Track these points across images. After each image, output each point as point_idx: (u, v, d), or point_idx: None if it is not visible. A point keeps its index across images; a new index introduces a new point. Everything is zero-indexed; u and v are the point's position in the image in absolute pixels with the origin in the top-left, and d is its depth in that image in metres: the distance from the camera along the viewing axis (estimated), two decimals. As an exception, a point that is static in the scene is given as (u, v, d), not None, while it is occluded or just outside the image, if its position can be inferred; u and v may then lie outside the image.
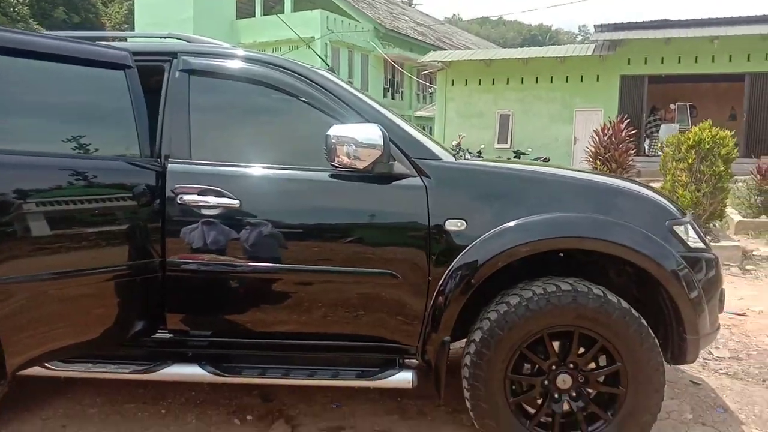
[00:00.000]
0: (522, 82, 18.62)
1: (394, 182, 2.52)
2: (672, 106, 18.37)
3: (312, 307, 2.58)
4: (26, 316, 2.24)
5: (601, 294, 2.41)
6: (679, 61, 17.00)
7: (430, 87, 23.96)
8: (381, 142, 2.41)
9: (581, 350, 2.49)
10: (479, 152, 18.58)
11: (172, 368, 2.63)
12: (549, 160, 15.47)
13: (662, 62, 17.18)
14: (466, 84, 19.34)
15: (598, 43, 17.24)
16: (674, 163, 7.01)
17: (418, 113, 25.68)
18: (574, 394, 2.53)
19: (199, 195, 2.52)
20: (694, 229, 2.57)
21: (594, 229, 2.44)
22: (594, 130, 10.19)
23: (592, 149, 9.99)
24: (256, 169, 2.58)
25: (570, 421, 2.53)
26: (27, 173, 2.28)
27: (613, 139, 9.68)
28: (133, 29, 28.89)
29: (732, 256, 6.47)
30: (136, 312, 2.59)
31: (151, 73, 2.69)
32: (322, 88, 2.65)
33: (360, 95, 2.73)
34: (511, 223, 2.43)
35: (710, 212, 6.68)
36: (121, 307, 2.54)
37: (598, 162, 9.71)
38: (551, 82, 18.30)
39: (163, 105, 2.65)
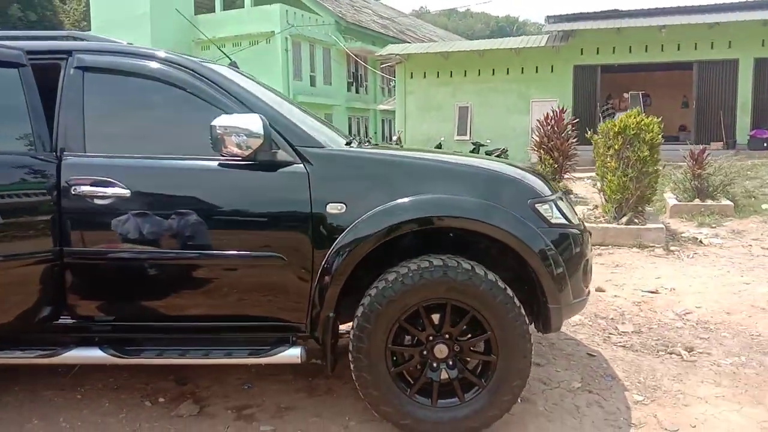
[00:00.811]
0: (479, 74, 18.88)
1: (279, 169, 2.68)
2: (625, 95, 18.82)
3: (204, 290, 2.74)
4: None
5: (470, 268, 2.61)
6: (630, 51, 17.43)
7: (392, 80, 24.13)
8: (261, 131, 2.57)
9: (457, 322, 2.69)
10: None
11: (75, 352, 2.77)
12: (507, 150, 15.78)
13: (614, 52, 17.59)
14: (425, 77, 19.55)
15: (552, 34, 17.58)
16: (604, 149, 7.30)
17: (382, 107, 25.87)
18: (451, 363, 2.73)
19: (92, 186, 2.65)
20: (556, 206, 2.78)
21: (451, 208, 2.64)
22: (537, 120, 10.47)
23: (537, 139, 10.26)
24: (146, 160, 2.72)
25: (450, 389, 2.73)
26: None
27: (556, 129, 9.97)
28: (90, 26, 28.42)
29: (656, 237, 6.78)
30: (39, 299, 2.69)
31: (49, 71, 2.80)
32: (210, 81, 2.79)
33: (249, 88, 2.87)
34: (381, 207, 2.62)
35: (637, 196, 6.97)
36: (24, 294, 2.65)
37: (542, 151, 9.99)
38: (507, 73, 18.61)
39: (59, 101, 2.77)
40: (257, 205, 2.71)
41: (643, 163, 6.79)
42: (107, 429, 2.92)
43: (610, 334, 4.15)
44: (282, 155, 2.68)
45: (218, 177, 2.70)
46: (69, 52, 2.83)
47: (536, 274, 2.66)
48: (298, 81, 26.70)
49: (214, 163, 2.68)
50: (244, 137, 2.55)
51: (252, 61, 25.28)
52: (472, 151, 18.29)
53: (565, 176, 10.33)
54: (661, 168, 7.42)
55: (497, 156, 12.52)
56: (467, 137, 18.95)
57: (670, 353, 3.78)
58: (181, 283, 2.75)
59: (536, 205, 2.70)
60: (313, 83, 27.91)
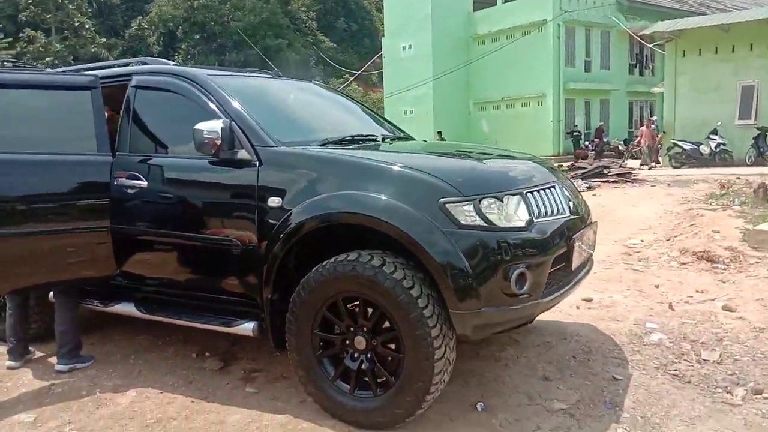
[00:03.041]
0: (769, 47, 15.72)
1: (237, 166, 3.08)
2: None
3: (190, 267, 3.33)
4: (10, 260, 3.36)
5: (377, 264, 2.64)
6: None
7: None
8: (220, 134, 3.00)
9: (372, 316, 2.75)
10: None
11: (120, 305, 3.62)
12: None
13: None
14: (700, 54, 17.03)
15: None
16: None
17: (656, 89, 23.19)
18: (368, 355, 2.80)
19: (126, 179, 3.43)
20: (476, 210, 2.58)
21: (351, 204, 2.70)
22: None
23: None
24: (159, 159, 3.40)
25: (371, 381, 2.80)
26: (19, 168, 3.38)
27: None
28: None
29: None
30: (100, 262, 3.57)
31: (122, 90, 3.68)
32: (207, 92, 3.32)
33: (236, 97, 3.31)
34: (304, 202, 2.82)
35: None
36: (92, 257, 3.55)
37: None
38: (810, 43, 15.08)
39: (122, 113, 3.63)
40: (220, 197, 3.17)
41: None
42: (156, 368, 3.72)
43: (682, 360, 3.48)
44: (242, 154, 3.07)
45: (198, 173, 3.24)
46: (130, 76, 3.67)
47: (433, 274, 2.55)
48: (570, 68, 25.70)
49: (198, 161, 3.21)
50: (208, 138, 3.02)
51: (522, 52, 25.30)
52: (756, 138, 15.43)
53: None
54: None
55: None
56: (751, 121, 15.99)
57: (728, 392, 3.05)
58: (176, 258, 3.39)
59: (447, 205, 2.57)
60: (587, 68, 26.57)
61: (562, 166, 16.33)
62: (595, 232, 3.41)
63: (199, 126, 3.04)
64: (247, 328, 3.13)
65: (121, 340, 4.21)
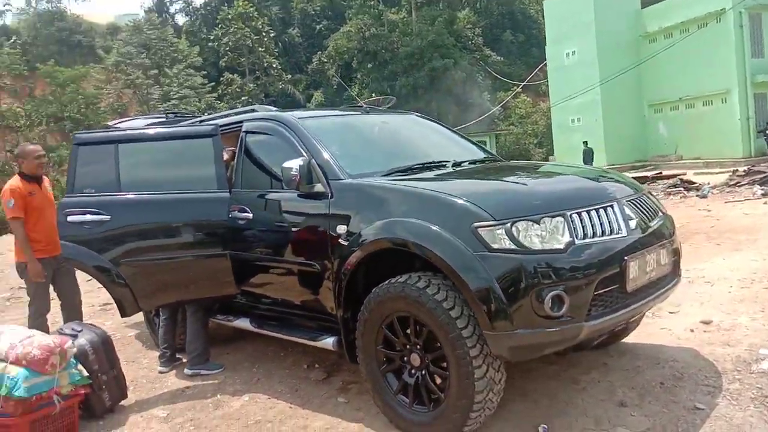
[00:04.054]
0: None
1: (315, 198, 3.47)
2: None
3: (284, 286, 3.79)
4: (154, 281, 4.11)
5: (422, 286, 2.84)
6: None
7: None
8: (297, 171, 3.43)
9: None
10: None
11: (239, 321, 4.21)
12: None
13: None
14: None
15: None
16: None
17: None
18: (423, 372, 2.98)
19: (238, 212, 4.00)
20: (508, 234, 2.65)
21: (387, 231, 2.93)
22: None
23: None
24: (260, 192, 3.92)
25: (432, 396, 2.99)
26: (159, 205, 4.13)
27: None
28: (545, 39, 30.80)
29: None
30: (225, 283, 4.17)
31: (236, 136, 4.32)
32: (295, 133, 3.78)
33: (317, 136, 3.72)
34: (358, 230, 3.12)
35: None
36: (219, 279, 4.18)
37: None
38: None
39: (236, 155, 4.24)
40: (303, 226, 3.58)
41: None
42: (272, 376, 4.24)
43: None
44: (318, 187, 3.46)
45: (287, 205, 3.69)
46: (241, 123, 4.27)
47: (466, 296, 2.67)
48: (758, 58, 22.83)
49: (288, 195, 3.66)
50: (290, 175, 3.45)
51: (700, 46, 23.10)
52: None
53: None
54: None
55: None
56: None
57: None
58: (275, 279, 3.87)
59: (479, 229, 2.68)
60: (781, 57, 23.42)
61: (737, 170, 14.62)
62: (674, 251, 3.23)
63: (285, 164, 3.49)
64: (328, 342, 3.49)
65: (253, 351, 4.82)
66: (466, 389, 2.73)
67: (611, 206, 2.96)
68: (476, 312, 2.67)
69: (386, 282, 3.02)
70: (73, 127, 36.07)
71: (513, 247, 2.65)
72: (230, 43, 41.53)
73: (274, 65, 43.13)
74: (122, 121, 6.51)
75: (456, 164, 3.81)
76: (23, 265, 4.65)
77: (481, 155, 4.31)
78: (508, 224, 2.68)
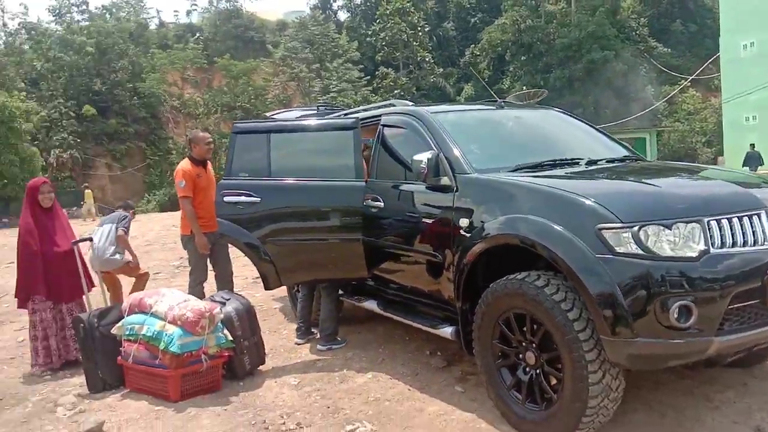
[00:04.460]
0: None
1: (442, 191, 3.56)
2: None
3: (409, 273, 3.94)
4: (295, 260, 4.46)
5: (541, 284, 2.82)
6: None
7: None
8: (426, 164, 3.54)
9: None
10: None
11: (368, 302, 4.44)
12: None
13: None
14: None
15: None
16: None
17: None
18: (537, 371, 2.96)
19: (371, 200, 4.22)
20: (635, 238, 2.54)
21: (509, 227, 2.91)
22: None
23: None
24: (391, 182, 4.09)
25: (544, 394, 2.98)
26: (302, 191, 4.46)
27: None
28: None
29: None
30: (358, 265, 4.41)
31: (375, 128, 4.54)
32: (427, 127, 3.89)
33: (447, 130, 3.79)
34: (480, 224, 3.15)
35: None
36: (354, 262, 4.42)
37: None
38: None
39: (373, 146, 4.46)
40: (428, 217, 3.67)
41: None
42: (395, 358, 4.43)
43: None
44: (445, 180, 3.54)
45: (415, 196, 3.82)
46: (380, 116, 4.48)
47: (585, 299, 2.60)
48: None
49: (416, 186, 3.79)
50: (418, 167, 3.58)
51: None
52: None
53: None
54: None
55: None
56: None
57: None
58: (401, 266, 4.02)
59: (603, 231, 2.60)
60: None
61: None
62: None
63: (415, 156, 3.62)
64: (447, 331, 3.58)
65: (382, 333, 5.05)
66: (580, 393, 2.67)
67: (758, 215, 2.71)
68: (595, 316, 2.60)
69: (504, 278, 3.03)
70: (243, 116, 39.58)
71: (639, 251, 2.54)
72: (387, 37, 42.76)
73: (427, 59, 43.69)
74: (279, 112, 7.07)
75: (590, 162, 3.70)
76: (189, 237, 5.26)
77: (622, 153, 4.12)
78: (636, 228, 2.58)
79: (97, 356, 4.04)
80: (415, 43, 43.16)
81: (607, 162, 3.82)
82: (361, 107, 5.27)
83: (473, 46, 44.62)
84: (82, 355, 4.17)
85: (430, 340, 4.62)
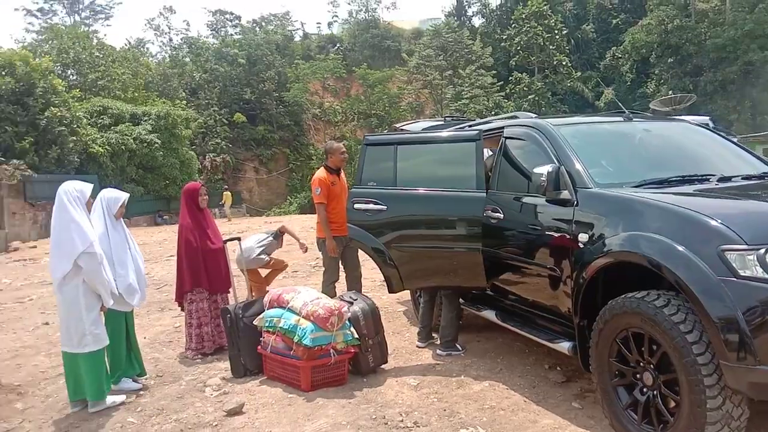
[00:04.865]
0: None
1: (562, 205, 3.59)
2: None
3: (527, 286, 3.99)
4: (417, 266, 4.67)
5: (659, 304, 2.79)
6: None
7: None
8: (546, 177, 3.59)
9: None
10: None
11: (486, 312, 4.55)
12: None
13: None
14: None
15: None
16: None
17: None
18: (654, 392, 2.92)
19: (491, 211, 4.33)
20: (760, 261, 2.42)
21: (628, 245, 2.88)
22: None
23: None
24: (510, 194, 4.17)
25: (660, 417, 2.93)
26: (425, 200, 4.68)
27: None
28: None
29: None
30: (478, 274, 4.54)
31: (497, 140, 4.65)
32: (548, 140, 3.93)
33: (570, 143, 3.80)
34: (599, 240, 3.15)
35: None
36: (467, 271, 4.56)
37: None
38: None
39: (495, 157, 4.57)
40: (547, 231, 3.71)
41: None
42: (513, 369, 4.49)
43: None
44: (565, 194, 3.57)
45: (534, 209, 3.87)
46: (502, 129, 4.57)
47: (704, 322, 2.54)
48: None
49: (535, 199, 3.85)
50: (540, 180, 3.65)
51: None
52: None
53: None
54: None
55: None
56: None
57: None
58: (520, 278, 4.08)
59: (726, 253, 2.53)
60: None
61: None
62: None
63: (536, 169, 3.69)
64: (564, 346, 3.61)
65: (501, 343, 5.12)
66: (698, 418, 2.62)
67: None
68: (714, 340, 2.54)
69: (623, 296, 3.02)
70: (377, 124, 40.84)
71: (765, 275, 2.45)
72: (521, 42, 41.97)
73: (564, 62, 42.27)
74: (407, 124, 7.36)
75: (723, 179, 3.54)
76: (323, 240, 5.70)
77: (762, 170, 3.87)
78: (762, 251, 2.48)
79: (240, 344, 4.53)
80: (551, 46, 41.93)
81: (742, 179, 3.63)
82: (485, 119, 5.38)
83: (614, 48, 42.47)
84: (228, 343, 4.69)
85: (550, 355, 4.62)
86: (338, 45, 50.62)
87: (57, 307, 4.18)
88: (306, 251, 6.55)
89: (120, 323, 4.36)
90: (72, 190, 4.02)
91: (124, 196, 4.53)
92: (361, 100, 43.83)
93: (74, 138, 23.20)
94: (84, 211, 4.03)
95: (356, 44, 51.22)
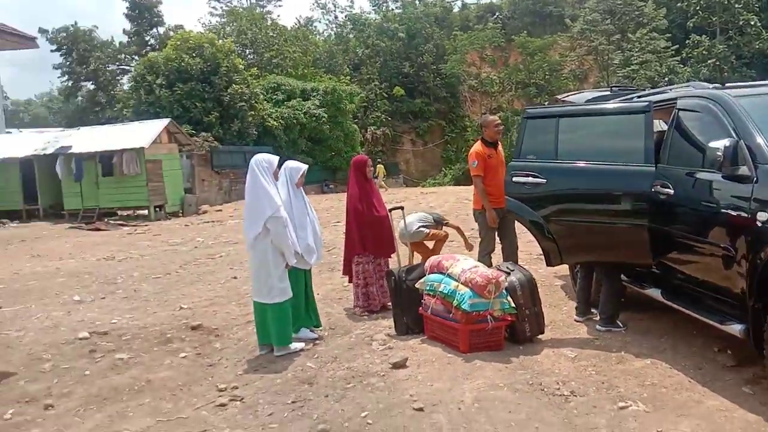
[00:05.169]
0: None
1: (739, 181, 3.39)
2: None
3: (697, 265, 3.85)
4: (577, 240, 4.66)
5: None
6: None
7: None
8: (723, 152, 3.42)
9: None
10: None
11: (651, 290, 4.44)
12: None
13: None
14: None
15: None
16: None
17: None
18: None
19: (660, 186, 4.18)
20: None
21: None
22: None
23: None
24: (683, 169, 3.99)
25: None
26: (588, 174, 4.62)
27: None
28: None
29: None
30: (644, 251, 4.42)
31: (668, 112, 4.46)
32: (726, 112, 3.70)
33: (751, 116, 3.54)
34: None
35: None
36: (631, 247, 4.46)
37: None
38: None
39: (667, 130, 4.39)
40: (721, 208, 3.52)
41: None
42: (678, 350, 4.33)
43: None
44: (743, 170, 3.37)
45: (709, 185, 3.69)
46: (675, 100, 4.36)
47: None
48: None
49: (711, 175, 3.67)
50: (716, 155, 3.47)
51: None
52: None
53: None
54: None
55: None
56: None
57: None
58: (689, 257, 3.94)
59: None
60: None
61: None
62: None
63: (711, 143, 3.53)
64: (735, 328, 3.47)
65: (666, 323, 4.95)
66: None
67: None
68: None
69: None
70: (536, 93, 39.52)
71: None
72: (702, 1, 37.84)
73: (752, 22, 37.40)
74: (571, 94, 7.20)
75: None
76: (479, 212, 5.87)
77: None
78: None
79: (403, 305, 4.89)
80: (737, 4, 37.28)
81: None
82: (657, 89, 5.14)
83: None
84: (392, 303, 5.09)
85: (720, 338, 4.40)
86: (497, 14, 49.36)
87: (249, 263, 4.83)
88: (471, 249, 6.63)
89: (300, 280, 4.91)
90: (262, 161, 4.58)
91: (304, 167, 5.06)
92: (519, 69, 42.60)
93: (252, 113, 25.48)
94: (272, 179, 4.58)
95: (516, 11, 49.58)
